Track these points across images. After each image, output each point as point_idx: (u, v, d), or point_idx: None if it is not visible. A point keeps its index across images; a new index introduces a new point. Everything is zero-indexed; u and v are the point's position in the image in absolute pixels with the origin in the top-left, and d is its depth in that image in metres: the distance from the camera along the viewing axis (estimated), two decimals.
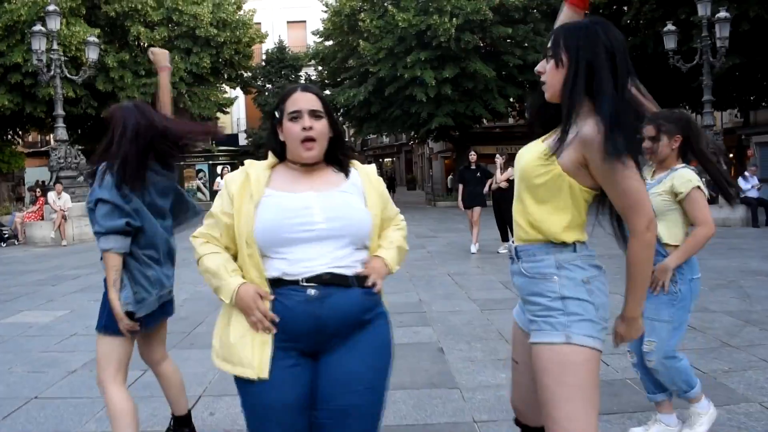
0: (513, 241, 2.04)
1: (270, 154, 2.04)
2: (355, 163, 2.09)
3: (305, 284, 1.84)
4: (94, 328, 2.84)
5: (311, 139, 1.92)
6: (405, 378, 4.21)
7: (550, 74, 1.91)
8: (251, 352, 1.84)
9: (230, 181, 1.98)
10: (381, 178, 2.12)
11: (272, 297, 1.85)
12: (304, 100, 1.94)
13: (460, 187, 11.21)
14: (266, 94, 32.80)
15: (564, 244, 1.89)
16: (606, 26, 1.89)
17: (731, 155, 31.84)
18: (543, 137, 1.99)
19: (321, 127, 1.94)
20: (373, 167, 2.13)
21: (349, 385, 1.84)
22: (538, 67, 1.97)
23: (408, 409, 3.69)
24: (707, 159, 2.94)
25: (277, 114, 1.99)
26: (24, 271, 10.37)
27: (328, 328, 1.84)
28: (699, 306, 6.21)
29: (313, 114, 1.93)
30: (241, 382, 1.87)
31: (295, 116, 1.93)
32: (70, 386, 4.32)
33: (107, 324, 2.72)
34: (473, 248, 10.76)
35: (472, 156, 11.15)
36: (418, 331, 5.56)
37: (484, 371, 4.36)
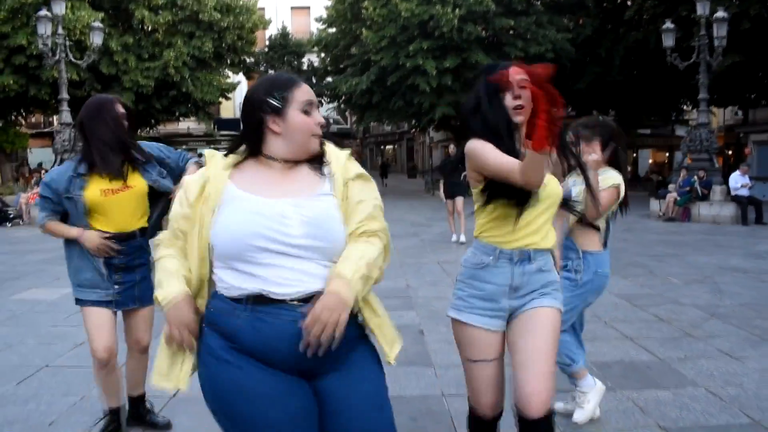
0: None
1: (236, 152, 1.85)
2: (328, 151, 1.88)
3: (295, 303, 1.67)
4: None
5: (321, 128, 1.84)
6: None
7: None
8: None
9: (189, 183, 1.84)
10: (351, 160, 1.88)
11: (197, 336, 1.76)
12: (310, 93, 1.83)
13: (442, 179, 11.66)
14: None
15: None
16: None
17: (729, 152, 32.17)
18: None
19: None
20: (345, 153, 1.90)
21: (365, 406, 1.75)
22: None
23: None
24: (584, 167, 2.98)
25: (276, 102, 1.77)
26: (30, 251, 10.73)
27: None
28: (670, 299, 6.61)
29: (314, 105, 1.85)
30: (239, 408, 1.67)
31: (308, 109, 1.80)
32: (77, 357, 4.69)
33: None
34: (455, 238, 11.13)
35: (451, 149, 11.76)
36: (402, 314, 5.93)
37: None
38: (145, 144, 3.19)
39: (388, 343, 1.83)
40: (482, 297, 2.35)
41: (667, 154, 37.08)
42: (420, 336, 5.20)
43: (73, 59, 17.10)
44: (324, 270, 1.72)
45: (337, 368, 1.75)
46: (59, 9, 15.96)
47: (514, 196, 2.23)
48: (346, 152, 1.88)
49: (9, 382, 4.16)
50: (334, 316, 1.60)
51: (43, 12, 15.57)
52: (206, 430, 3.21)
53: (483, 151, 2.25)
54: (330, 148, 1.87)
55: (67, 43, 16.85)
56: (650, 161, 40.29)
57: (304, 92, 1.80)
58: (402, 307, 6.23)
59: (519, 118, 2.28)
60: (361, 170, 1.85)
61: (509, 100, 2.27)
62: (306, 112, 1.79)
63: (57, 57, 16.22)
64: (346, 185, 1.80)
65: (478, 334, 2.36)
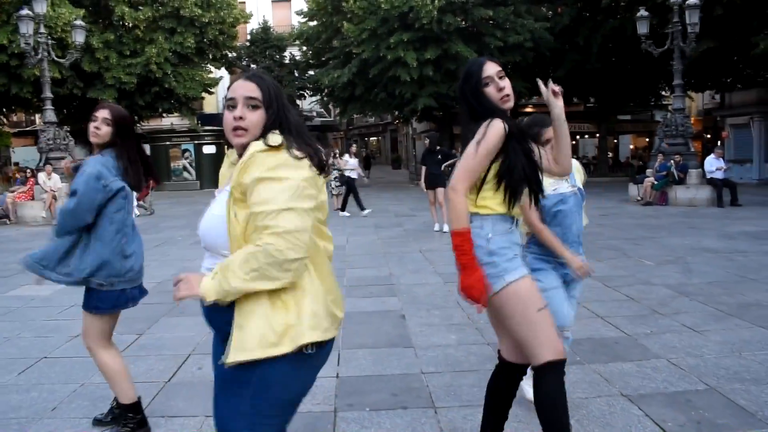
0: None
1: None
2: (250, 145, 1.87)
3: None
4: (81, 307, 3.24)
5: (240, 128, 1.89)
6: (368, 340, 4.86)
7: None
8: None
9: None
10: (264, 156, 1.82)
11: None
12: (242, 88, 1.91)
13: (423, 168, 11.87)
14: None
15: None
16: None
17: (708, 136, 32.71)
18: None
19: (255, 117, 1.89)
20: (257, 148, 1.85)
21: (219, 382, 1.97)
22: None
23: (367, 364, 4.33)
24: None
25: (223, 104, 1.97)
26: (19, 249, 10.84)
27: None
28: (642, 279, 6.92)
29: (248, 102, 1.89)
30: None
31: (230, 104, 1.91)
32: (74, 348, 4.89)
33: (97, 305, 3.16)
34: (437, 227, 11.43)
35: (426, 141, 12.07)
36: (385, 300, 6.19)
37: (437, 334, 5.00)
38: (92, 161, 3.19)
39: (234, 348, 1.81)
40: (519, 255, 2.55)
41: (647, 140, 37.55)
42: (401, 320, 5.45)
43: (55, 58, 17.10)
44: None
45: (226, 338, 1.86)
46: (41, 8, 15.97)
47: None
48: (260, 147, 1.83)
49: (10, 373, 4.36)
50: (183, 287, 1.85)
51: (25, 11, 15.56)
52: (201, 411, 3.47)
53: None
54: (254, 143, 1.86)
55: (49, 41, 16.85)
56: (631, 146, 40.84)
57: (231, 90, 1.93)
58: (385, 294, 6.49)
59: (508, 105, 2.52)
60: (264, 173, 1.78)
61: (494, 93, 2.50)
62: (228, 108, 1.91)
63: (39, 56, 16.24)
64: (247, 184, 1.80)
65: (533, 282, 2.53)
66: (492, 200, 2.50)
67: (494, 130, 2.39)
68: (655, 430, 3.21)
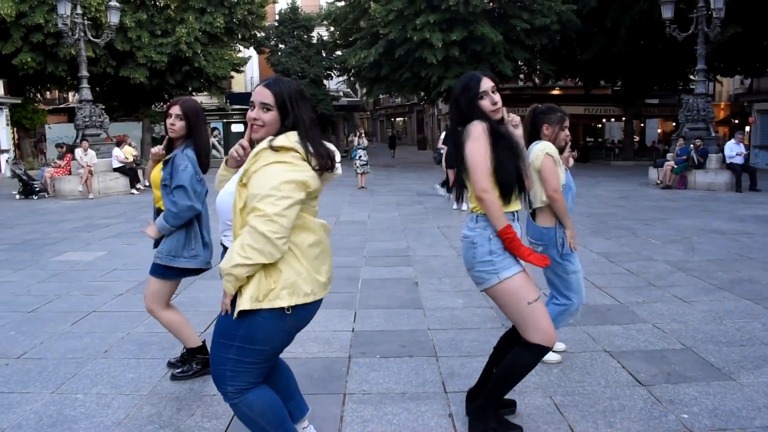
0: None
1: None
2: (264, 142, 2.31)
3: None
4: (149, 273, 3.71)
5: (256, 124, 2.35)
6: (382, 302, 5.37)
7: None
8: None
9: None
10: (266, 153, 2.25)
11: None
12: (259, 94, 2.34)
13: (444, 148, 12.25)
14: (279, 54, 33.53)
15: None
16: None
17: (736, 121, 32.38)
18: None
19: (268, 117, 2.33)
20: (262, 145, 2.30)
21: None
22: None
23: (380, 321, 4.83)
24: None
25: None
26: (59, 221, 11.54)
27: None
28: (645, 256, 7.29)
29: (263, 106, 2.33)
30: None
31: (251, 105, 2.36)
32: (119, 304, 5.47)
33: (165, 272, 3.63)
34: (456, 206, 11.80)
35: (448, 122, 12.32)
36: (401, 270, 6.68)
37: (446, 298, 5.49)
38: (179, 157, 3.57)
39: (236, 306, 2.29)
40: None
41: (673, 124, 37.23)
42: (414, 287, 5.94)
43: (91, 38, 17.74)
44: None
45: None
46: None
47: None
48: (265, 145, 2.26)
49: (65, 323, 4.94)
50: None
51: None
52: None
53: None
54: (264, 141, 2.30)
55: (85, 21, 17.47)
56: (659, 131, 40.53)
57: (253, 93, 2.39)
58: (401, 264, 6.98)
59: (498, 116, 2.91)
60: (263, 166, 2.21)
61: (488, 106, 2.87)
62: (250, 107, 2.37)
63: (76, 35, 16.86)
64: (250, 173, 2.25)
65: (526, 276, 2.87)
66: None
67: (477, 128, 2.78)
68: (628, 378, 3.65)
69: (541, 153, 3.57)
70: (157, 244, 3.67)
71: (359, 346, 4.29)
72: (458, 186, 3.10)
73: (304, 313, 2.37)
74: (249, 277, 2.25)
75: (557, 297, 3.74)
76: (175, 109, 3.56)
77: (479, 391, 3.09)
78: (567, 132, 3.81)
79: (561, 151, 3.75)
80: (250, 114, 2.36)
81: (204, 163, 3.62)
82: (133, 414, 3.31)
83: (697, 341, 4.29)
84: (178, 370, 3.83)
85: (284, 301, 2.27)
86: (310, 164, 2.27)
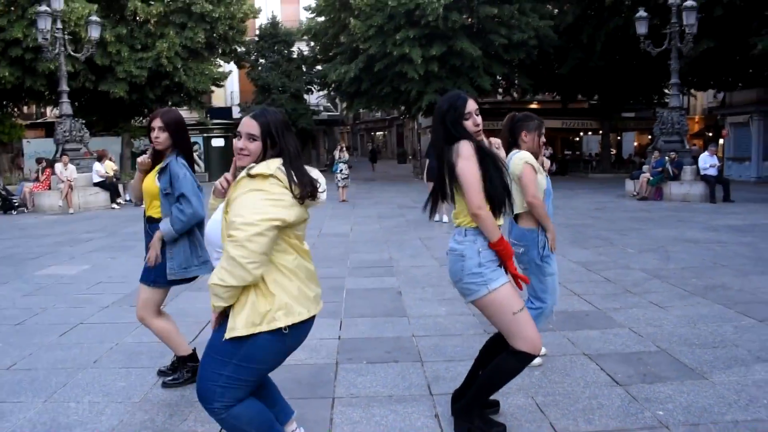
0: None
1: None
2: (244, 170, 2.39)
3: None
4: (139, 281, 3.78)
5: (242, 154, 2.44)
6: (367, 310, 5.49)
7: None
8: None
9: None
10: (244, 181, 2.35)
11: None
12: (246, 126, 2.45)
13: (427, 161, 12.45)
14: (260, 68, 33.63)
15: None
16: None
17: (710, 134, 33.08)
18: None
19: (253, 147, 2.43)
20: (243, 173, 2.39)
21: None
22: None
23: (366, 329, 4.96)
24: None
25: None
26: (41, 235, 11.50)
27: None
28: (622, 264, 7.48)
29: (249, 137, 2.43)
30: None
31: (238, 135, 2.46)
32: (106, 316, 5.52)
33: (156, 279, 3.71)
34: (437, 217, 11.90)
35: (429, 135, 12.57)
36: (384, 280, 6.80)
37: (429, 306, 5.62)
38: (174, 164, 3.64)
39: (229, 328, 2.36)
40: (498, 263, 3.00)
41: (649, 137, 37.91)
42: (398, 296, 6.07)
43: (71, 52, 17.72)
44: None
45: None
46: (58, 4, 16.56)
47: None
48: (244, 174, 2.36)
49: (53, 335, 4.98)
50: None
51: (44, 8, 16.15)
52: None
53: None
54: (245, 170, 2.39)
55: (65, 36, 17.46)
56: (635, 144, 41.24)
57: (240, 125, 2.48)
58: (385, 274, 7.10)
59: (479, 137, 3.06)
60: (241, 194, 2.30)
61: (471, 126, 3.02)
62: (237, 137, 2.47)
63: (56, 50, 16.84)
64: (230, 200, 2.37)
65: (512, 287, 2.99)
66: None
67: (465, 146, 2.91)
68: (606, 379, 3.80)
69: (520, 162, 3.74)
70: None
71: (346, 352, 4.40)
72: (434, 199, 3.19)
73: (299, 332, 2.46)
74: (241, 300, 2.34)
75: (532, 300, 3.89)
76: (157, 122, 3.63)
77: (464, 392, 3.22)
78: (543, 139, 3.99)
79: (536, 156, 3.91)
80: (237, 144, 2.46)
81: (192, 170, 3.71)
82: (127, 420, 3.38)
83: (672, 343, 4.45)
84: (169, 378, 3.90)
85: (281, 322, 2.36)
86: (291, 192, 2.34)
